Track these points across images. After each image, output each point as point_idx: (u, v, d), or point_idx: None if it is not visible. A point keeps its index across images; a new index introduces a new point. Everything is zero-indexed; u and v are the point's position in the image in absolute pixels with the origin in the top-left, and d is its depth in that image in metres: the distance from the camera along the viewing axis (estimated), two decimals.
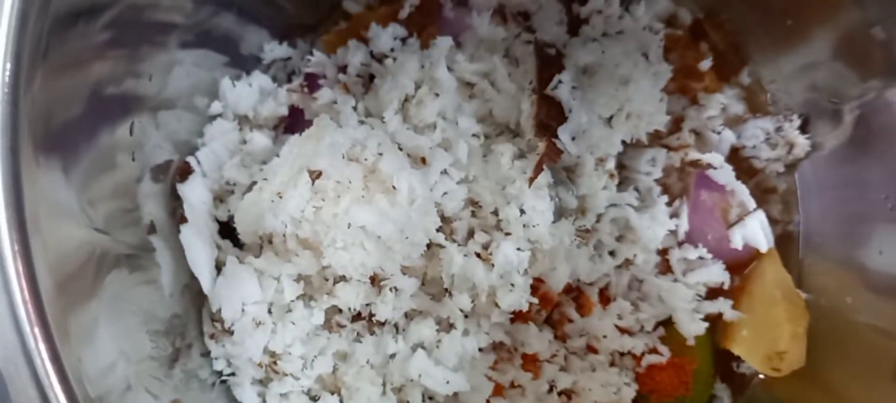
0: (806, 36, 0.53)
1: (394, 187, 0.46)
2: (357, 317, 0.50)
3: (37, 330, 0.34)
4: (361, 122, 0.51)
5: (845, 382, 0.52)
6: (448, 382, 0.48)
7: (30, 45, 0.33)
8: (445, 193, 0.48)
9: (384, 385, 0.50)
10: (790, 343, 0.52)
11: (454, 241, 0.49)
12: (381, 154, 0.47)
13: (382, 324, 0.50)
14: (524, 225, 0.49)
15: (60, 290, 0.36)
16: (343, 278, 0.48)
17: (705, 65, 0.56)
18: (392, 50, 0.53)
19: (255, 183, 0.51)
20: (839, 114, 0.54)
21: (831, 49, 0.52)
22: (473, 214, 0.50)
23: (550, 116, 0.49)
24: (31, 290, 0.34)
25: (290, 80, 0.56)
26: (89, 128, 0.41)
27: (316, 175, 0.48)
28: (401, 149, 0.49)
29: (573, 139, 0.50)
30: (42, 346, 0.34)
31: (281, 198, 0.48)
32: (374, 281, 0.49)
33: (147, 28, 0.45)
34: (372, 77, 0.53)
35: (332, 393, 0.50)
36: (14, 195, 0.33)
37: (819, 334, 0.53)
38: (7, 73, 0.33)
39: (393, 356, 0.49)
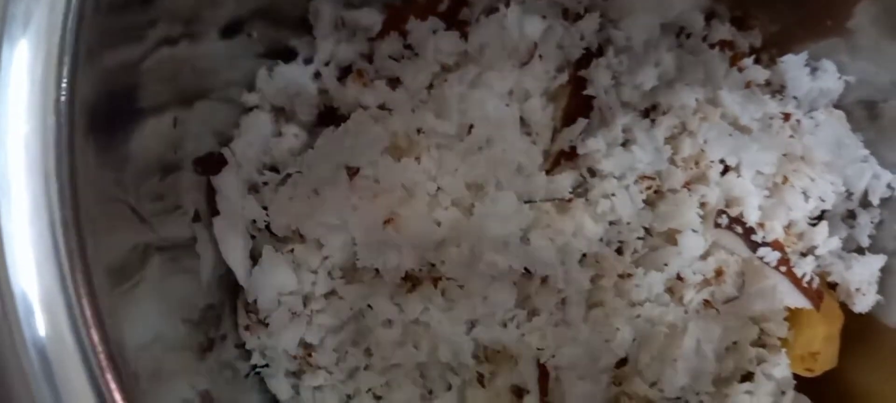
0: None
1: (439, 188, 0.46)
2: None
3: (87, 310, 0.35)
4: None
5: (877, 385, 0.53)
6: None
7: (85, 42, 0.34)
8: None
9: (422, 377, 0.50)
10: (824, 343, 0.52)
11: None
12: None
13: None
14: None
15: (109, 274, 0.37)
16: (377, 272, 0.48)
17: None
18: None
19: (289, 175, 0.51)
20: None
21: None
22: None
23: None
24: (83, 272, 0.34)
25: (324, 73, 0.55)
26: (135, 121, 0.42)
27: (353, 172, 0.48)
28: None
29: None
30: (91, 326, 0.35)
31: (317, 194, 0.48)
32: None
33: (192, 20, 0.45)
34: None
35: (368, 391, 0.51)
36: (70, 178, 0.34)
37: (850, 335, 0.54)
38: (65, 69, 0.33)
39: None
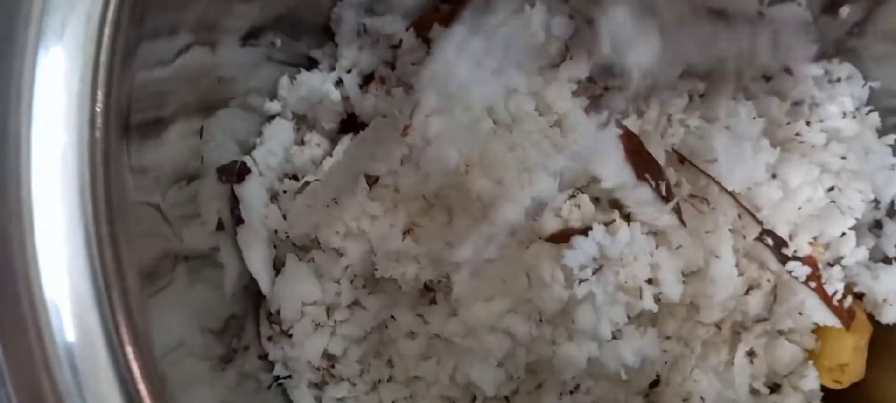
0: None
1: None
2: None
3: (120, 312, 0.34)
4: None
5: None
6: None
7: (120, 52, 0.33)
8: None
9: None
10: (852, 355, 0.52)
11: None
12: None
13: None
14: None
15: (140, 278, 0.36)
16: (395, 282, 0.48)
17: None
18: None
19: (307, 183, 0.51)
20: None
21: None
22: None
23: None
24: (116, 269, 0.34)
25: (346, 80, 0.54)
26: (162, 129, 0.41)
27: (373, 180, 0.48)
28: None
29: None
30: (123, 323, 0.34)
31: (336, 203, 0.48)
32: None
33: (214, 27, 0.45)
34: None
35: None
36: (105, 185, 0.33)
37: (878, 346, 0.53)
38: (102, 79, 0.32)
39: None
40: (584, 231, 0.42)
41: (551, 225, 0.44)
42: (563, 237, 0.43)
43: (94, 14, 0.32)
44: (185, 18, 0.42)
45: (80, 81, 0.32)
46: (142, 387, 0.35)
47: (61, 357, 0.33)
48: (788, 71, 0.53)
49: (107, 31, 0.33)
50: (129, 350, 0.35)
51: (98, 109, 0.32)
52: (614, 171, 0.44)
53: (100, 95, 0.33)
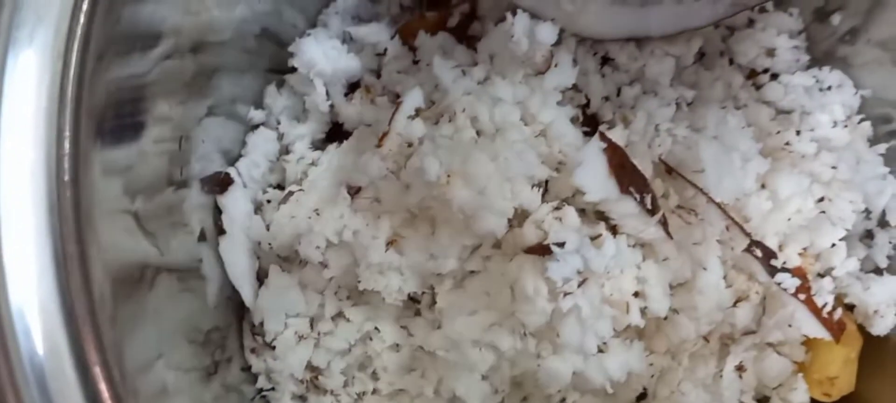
0: None
1: None
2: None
3: (87, 324, 0.34)
4: None
5: None
6: None
7: (94, 53, 0.33)
8: None
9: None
10: (842, 368, 0.51)
11: None
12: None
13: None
14: None
15: (112, 288, 0.36)
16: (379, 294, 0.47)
17: None
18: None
19: (291, 193, 0.50)
20: None
21: None
22: None
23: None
24: (84, 286, 0.34)
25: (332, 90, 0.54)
26: (141, 136, 0.41)
27: (355, 191, 0.47)
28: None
29: None
30: (90, 340, 0.34)
31: (318, 214, 0.47)
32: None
33: (203, 47, 0.45)
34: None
35: None
36: (74, 192, 0.33)
37: (868, 357, 0.52)
38: (73, 79, 0.32)
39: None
40: (560, 244, 0.42)
41: (531, 237, 0.43)
42: (541, 249, 0.42)
43: (63, 27, 0.32)
44: (162, 30, 0.41)
45: (49, 96, 0.32)
46: (109, 400, 0.35)
47: (28, 373, 0.33)
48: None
49: (75, 44, 0.32)
50: (96, 365, 0.35)
51: (69, 108, 0.32)
52: (598, 185, 0.43)
53: (68, 110, 0.32)
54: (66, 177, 0.33)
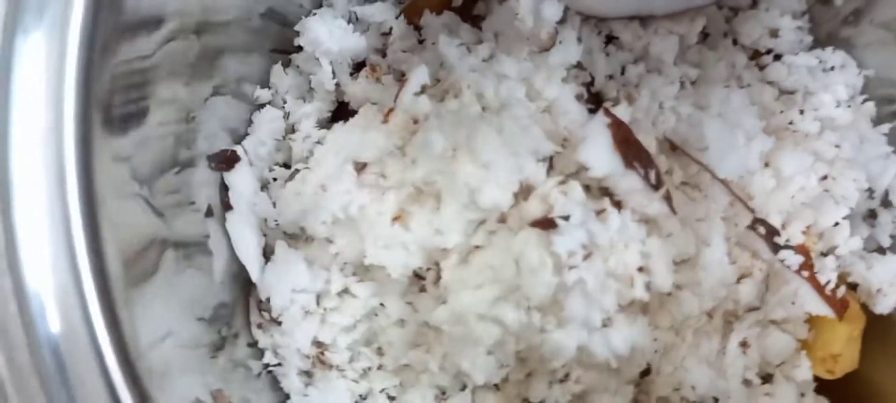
0: None
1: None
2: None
3: (101, 305, 0.35)
4: None
5: (895, 386, 0.52)
6: None
7: (101, 35, 0.33)
8: None
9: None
10: (845, 345, 0.51)
11: None
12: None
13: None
14: None
15: (124, 268, 0.37)
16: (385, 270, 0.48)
17: None
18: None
19: (297, 171, 0.50)
20: None
21: None
22: None
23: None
24: (97, 266, 0.35)
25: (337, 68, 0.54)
26: (149, 115, 0.41)
27: (361, 167, 0.47)
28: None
29: None
30: (103, 319, 0.35)
31: (324, 190, 0.48)
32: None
33: (208, 28, 0.45)
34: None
35: (381, 391, 0.50)
36: (85, 173, 0.34)
37: (871, 336, 0.53)
38: (81, 57, 0.32)
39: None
40: (565, 218, 0.42)
41: (536, 210, 0.43)
42: (546, 223, 0.42)
43: (70, 8, 0.32)
44: (166, 11, 0.42)
45: (56, 79, 0.32)
46: (124, 378, 0.36)
47: (44, 348, 0.34)
48: None
49: (82, 25, 0.33)
50: (110, 340, 0.35)
51: (77, 90, 0.32)
52: (603, 160, 0.43)
53: (76, 93, 0.33)
54: (76, 161, 0.33)
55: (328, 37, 0.51)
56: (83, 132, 0.34)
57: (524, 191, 0.44)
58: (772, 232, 0.49)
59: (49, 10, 0.33)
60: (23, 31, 0.33)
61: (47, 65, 0.34)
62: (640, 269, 0.45)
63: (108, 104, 0.36)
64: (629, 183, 0.44)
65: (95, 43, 0.35)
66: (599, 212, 0.44)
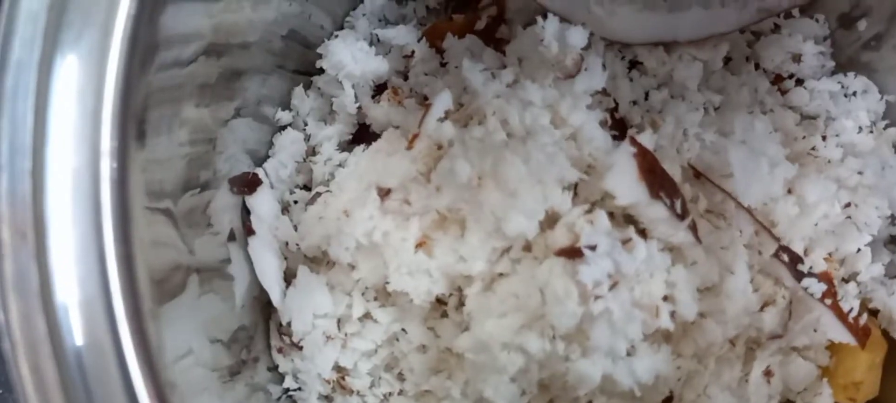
0: None
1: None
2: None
3: (127, 318, 0.34)
4: None
5: None
6: None
7: (137, 59, 0.33)
8: None
9: None
10: (867, 373, 0.51)
11: None
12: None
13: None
14: None
15: (152, 283, 0.37)
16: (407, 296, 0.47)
17: None
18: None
19: (318, 194, 0.50)
20: None
21: None
22: None
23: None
24: (127, 276, 0.34)
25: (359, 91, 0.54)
26: (171, 136, 0.41)
27: (384, 193, 0.47)
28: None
29: None
30: (130, 335, 0.34)
31: (347, 216, 0.47)
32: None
33: (229, 49, 0.45)
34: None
35: None
36: (119, 194, 0.34)
37: (892, 362, 0.52)
38: (119, 70, 0.32)
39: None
40: (591, 247, 0.42)
41: (562, 239, 0.43)
42: (571, 252, 0.42)
43: (110, 29, 0.32)
44: (198, 30, 0.42)
45: (95, 98, 0.32)
46: (148, 395, 0.35)
47: (70, 359, 0.34)
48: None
49: (122, 45, 0.32)
50: (136, 357, 0.35)
51: (110, 126, 0.32)
52: (629, 189, 0.43)
53: (112, 112, 0.33)
54: (110, 178, 0.33)
55: (350, 59, 0.51)
56: (119, 151, 0.34)
57: (550, 220, 0.44)
58: (795, 260, 0.49)
59: (88, 30, 0.33)
60: (61, 52, 0.33)
61: (85, 84, 0.33)
62: (665, 298, 0.45)
63: (140, 123, 0.36)
64: (655, 212, 0.44)
65: (133, 63, 0.34)
66: (625, 242, 0.44)
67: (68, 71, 0.33)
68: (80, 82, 0.32)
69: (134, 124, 0.35)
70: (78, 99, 0.33)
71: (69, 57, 0.32)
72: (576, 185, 0.46)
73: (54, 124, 0.32)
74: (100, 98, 0.33)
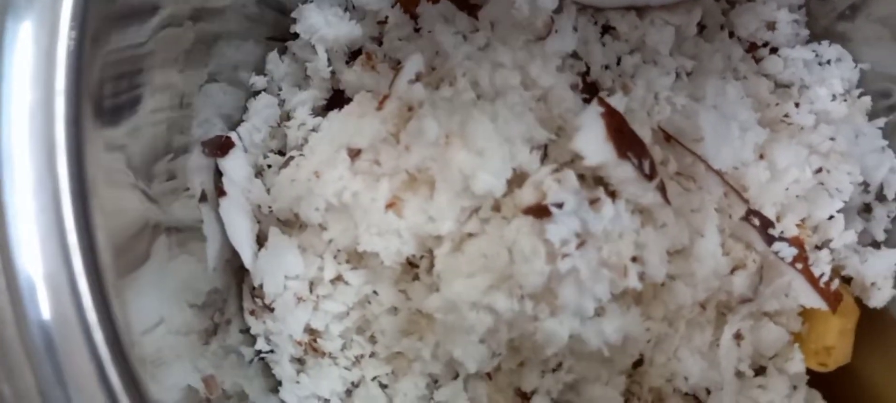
0: None
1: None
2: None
3: (91, 291, 0.35)
4: None
5: (891, 380, 0.52)
6: None
7: (93, 18, 0.33)
8: None
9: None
10: (838, 338, 0.51)
11: None
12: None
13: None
14: None
15: (115, 255, 0.37)
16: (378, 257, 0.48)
17: None
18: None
19: (291, 158, 0.50)
20: None
21: None
22: None
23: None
24: (88, 253, 0.34)
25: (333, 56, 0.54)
26: (143, 100, 0.41)
27: (355, 153, 0.47)
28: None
29: None
30: (95, 308, 0.35)
31: (318, 177, 0.48)
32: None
33: (203, 14, 0.45)
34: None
35: (373, 378, 0.50)
36: (76, 160, 0.34)
37: (864, 330, 0.53)
38: (71, 42, 0.32)
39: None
40: (558, 205, 0.42)
41: (529, 197, 0.43)
42: (539, 211, 0.42)
43: None
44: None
45: (49, 43, 0.32)
46: (115, 366, 0.36)
47: (36, 336, 0.34)
48: None
49: (73, 11, 0.33)
50: (101, 328, 0.35)
51: (68, 72, 0.32)
52: (596, 149, 0.43)
53: (67, 79, 0.33)
54: (67, 148, 0.33)
55: (324, 24, 0.51)
56: (74, 120, 0.34)
57: (518, 179, 0.44)
58: (766, 224, 0.49)
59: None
60: (13, 17, 0.33)
61: (37, 52, 0.34)
62: (634, 259, 0.45)
63: (100, 92, 0.36)
64: (623, 172, 0.44)
65: (86, 31, 0.34)
66: (593, 201, 0.44)
67: (22, 36, 0.33)
68: (32, 50, 0.33)
69: (91, 92, 0.35)
70: (32, 67, 0.33)
71: (22, 23, 0.33)
72: (546, 147, 0.46)
73: (7, 94, 0.32)
74: (52, 67, 0.33)
